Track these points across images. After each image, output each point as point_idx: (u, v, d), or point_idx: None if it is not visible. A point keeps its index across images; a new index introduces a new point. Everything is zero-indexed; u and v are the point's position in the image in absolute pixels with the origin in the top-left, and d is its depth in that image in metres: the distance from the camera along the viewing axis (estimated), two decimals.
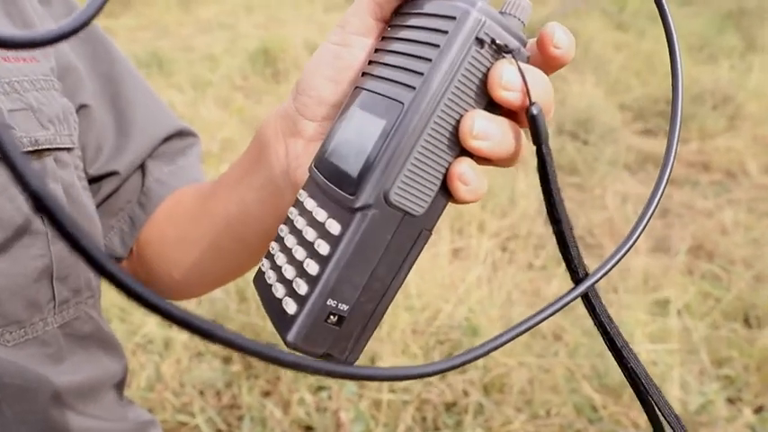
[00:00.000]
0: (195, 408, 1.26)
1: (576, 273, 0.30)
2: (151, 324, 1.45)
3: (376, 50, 0.33)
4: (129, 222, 0.54)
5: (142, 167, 0.55)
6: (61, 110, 0.46)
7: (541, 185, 0.29)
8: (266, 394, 1.31)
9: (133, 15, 4.44)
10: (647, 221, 0.30)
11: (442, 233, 1.76)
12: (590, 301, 0.31)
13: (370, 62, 0.33)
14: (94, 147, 0.52)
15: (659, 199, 0.30)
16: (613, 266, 0.29)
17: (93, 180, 0.52)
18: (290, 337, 0.28)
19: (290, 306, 0.29)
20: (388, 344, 1.35)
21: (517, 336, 0.28)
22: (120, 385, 0.55)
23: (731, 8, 4.03)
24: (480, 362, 1.30)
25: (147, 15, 4.38)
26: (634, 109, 2.83)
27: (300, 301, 0.28)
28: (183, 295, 0.57)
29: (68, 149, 0.46)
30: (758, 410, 1.29)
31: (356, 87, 0.33)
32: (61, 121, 0.45)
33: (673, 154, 0.31)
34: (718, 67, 3.14)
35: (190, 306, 1.53)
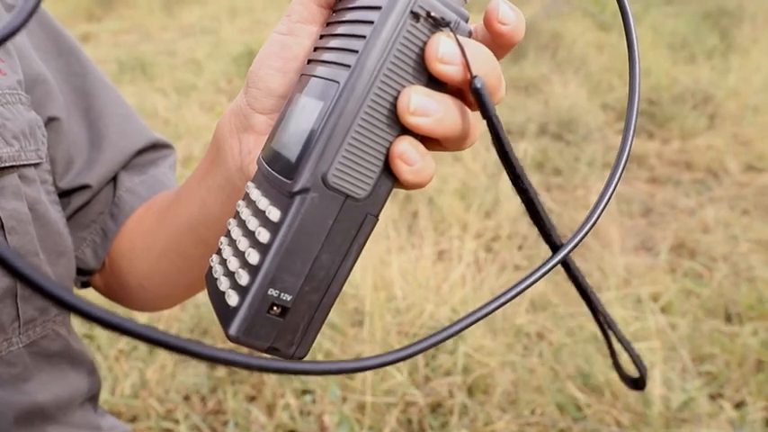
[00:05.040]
0: (179, 414, 1.25)
1: (553, 240, 0.29)
2: None
3: (321, 37, 0.32)
4: (101, 234, 0.54)
5: (114, 179, 0.54)
6: (27, 124, 0.45)
7: (500, 158, 0.28)
8: (251, 399, 1.30)
9: (116, 19, 4.41)
10: (615, 186, 0.30)
11: (425, 234, 1.76)
12: (569, 266, 0.30)
13: (316, 49, 0.32)
14: (65, 160, 0.51)
15: (626, 159, 0.30)
16: (587, 232, 0.29)
17: (64, 193, 0.52)
18: (232, 330, 0.27)
19: (232, 298, 0.28)
20: (372, 345, 1.35)
21: (494, 310, 0.28)
22: (93, 399, 0.55)
23: (711, 8, 4.08)
24: (461, 362, 1.31)
25: (130, 19, 4.36)
26: (617, 109, 2.85)
27: (242, 292, 0.28)
28: (158, 305, 0.57)
29: (35, 165, 0.46)
30: (739, 406, 1.30)
31: (302, 75, 0.32)
32: (27, 136, 0.44)
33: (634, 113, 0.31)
34: (698, 67, 3.18)
35: (174, 310, 1.52)
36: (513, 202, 1.99)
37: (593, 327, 1.44)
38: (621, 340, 0.32)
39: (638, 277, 1.68)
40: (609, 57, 3.35)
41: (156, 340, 0.20)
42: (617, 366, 0.34)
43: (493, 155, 2.27)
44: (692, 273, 1.75)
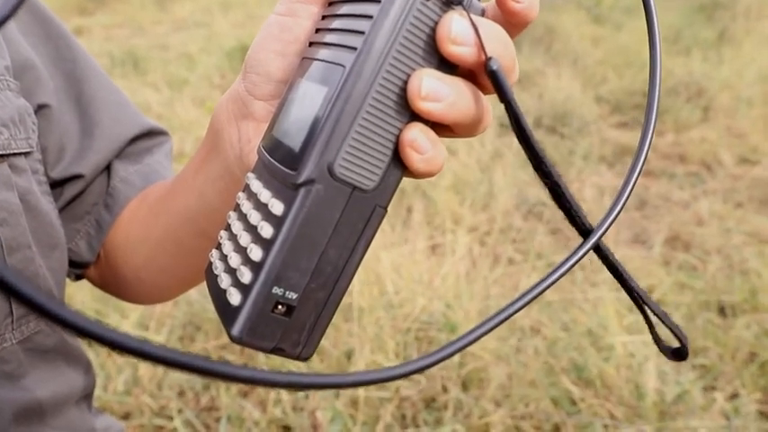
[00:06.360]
0: (173, 410, 1.25)
1: (583, 224, 0.28)
2: (128, 326, 1.44)
3: (322, 17, 0.31)
4: (95, 225, 0.52)
5: (108, 168, 0.53)
6: (17, 112, 0.43)
7: (520, 142, 0.26)
8: (244, 395, 1.30)
9: (108, 13, 4.37)
10: (640, 171, 0.29)
11: (419, 228, 1.76)
12: (602, 251, 0.29)
13: (317, 30, 0.31)
14: (57, 149, 0.49)
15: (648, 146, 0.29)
16: (619, 212, 0.28)
17: (56, 183, 0.50)
18: (235, 331, 0.26)
19: (234, 297, 0.26)
20: (365, 340, 1.35)
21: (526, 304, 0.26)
22: (88, 397, 0.54)
23: (705, 1, 4.08)
24: (456, 357, 1.30)
25: (123, 13, 4.32)
26: (611, 102, 2.85)
27: (244, 290, 0.26)
28: (155, 298, 0.55)
29: (25, 154, 0.44)
30: (732, 398, 1.31)
31: (303, 58, 0.30)
32: (17, 124, 0.43)
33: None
34: (691, 60, 3.17)
35: (167, 307, 1.52)
36: (507, 196, 1.98)
37: (587, 320, 1.44)
38: (658, 314, 0.32)
39: (632, 270, 1.68)
40: (603, 50, 3.35)
41: (174, 362, 0.19)
42: (656, 339, 0.34)
43: (487, 148, 2.26)
44: (686, 266, 1.75)
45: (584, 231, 0.28)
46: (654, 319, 0.33)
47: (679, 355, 0.33)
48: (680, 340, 0.32)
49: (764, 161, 2.32)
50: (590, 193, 2.12)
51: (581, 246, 0.28)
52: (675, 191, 2.18)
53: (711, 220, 1.96)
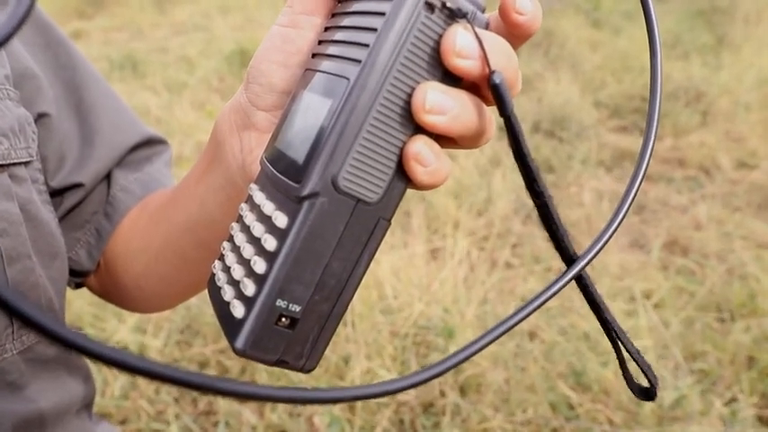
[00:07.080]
0: (170, 415, 1.24)
1: (567, 251, 0.28)
2: (125, 330, 1.43)
3: (326, 29, 0.31)
4: (95, 234, 0.52)
5: (108, 176, 0.53)
6: (16, 121, 0.43)
7: (515, 158, 0.26)
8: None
9: (107, 16, 4.38)
10: (633, 198, 0.28)
11: (418, 233, 1.76)
12: (583, 282, 0.29)
13: (320, 42, 0.31)
14: (57, 157, 0.49)
15: (644, 173, 0.28)
16: (604, 245, 0.27)
17: (56, 192, 0.50)
18: (239, 343, 0.26)
19: (238, 309, 0.26)
20: (363, 346, 1.34)
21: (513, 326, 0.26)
22: (88, 406, 0.53)
23: (704, 6, 4.09)
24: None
25: (122, 16, 4.33)
26: (610, 106, 2.85)
27: (248, 303, 0.26)
28: (155, 306, 0.55)
29: (25, 163, 0.44)
30: (730, 403, 1.30)
31: (306, 70, 0.31)
32: (16, 133, 0.43)
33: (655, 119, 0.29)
34: (690, 64, 3.18)
35: (164, 312, 1.51)
36: (506, 201, 1.98)
37: (584, 325, 1.44)
38: (631, 351, 0.31)
39: (630, 275, 1.68)
40: (602, 54, 3.35)
41: (176, 379, 0.19)
42: (626, 375, 0.33)
43: (485, 153, 2.27)
44: (685, 270, 1.75)
45: (569, 259, 0.28)
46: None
47: (647, 395, 0.32)
48: (650, 380, 0.31)
49: (763, 165, 2.32)
50: (588, 198, 2.12)
51: (563, 275, 0.27)
52: (674, 195, 2.18)
53: (710, 224, 1.96)
